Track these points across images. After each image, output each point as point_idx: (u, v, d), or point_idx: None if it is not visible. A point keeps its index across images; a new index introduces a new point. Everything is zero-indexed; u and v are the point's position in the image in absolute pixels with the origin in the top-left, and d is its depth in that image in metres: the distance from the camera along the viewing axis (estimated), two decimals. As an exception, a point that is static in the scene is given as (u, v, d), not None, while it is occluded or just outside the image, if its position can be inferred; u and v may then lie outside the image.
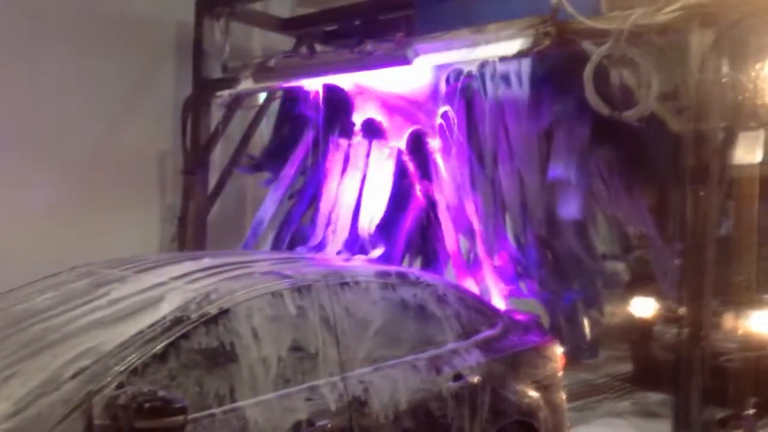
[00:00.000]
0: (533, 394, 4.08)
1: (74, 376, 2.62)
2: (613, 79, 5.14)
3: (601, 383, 6.88)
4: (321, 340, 3.33)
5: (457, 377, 3.72)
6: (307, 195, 7.12)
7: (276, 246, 6.97)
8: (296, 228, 7.06)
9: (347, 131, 6.75)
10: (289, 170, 7.10)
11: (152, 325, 2.87)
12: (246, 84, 7.15)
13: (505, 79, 5.84)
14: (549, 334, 4.69)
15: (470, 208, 6.02)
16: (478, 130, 6.01)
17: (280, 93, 7.50)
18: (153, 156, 7.80)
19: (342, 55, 6.63)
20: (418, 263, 6.79)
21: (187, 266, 3.45)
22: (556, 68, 5.71)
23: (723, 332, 5.27)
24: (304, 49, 8.00)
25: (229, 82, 7.31)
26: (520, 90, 5.79)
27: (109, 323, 2.93)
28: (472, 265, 6.09)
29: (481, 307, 4.29)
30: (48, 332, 2.93)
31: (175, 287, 3.17)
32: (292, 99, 7.25)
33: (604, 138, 5.74)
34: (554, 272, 5.79)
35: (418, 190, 6.45)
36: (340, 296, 3.51)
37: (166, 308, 2.97)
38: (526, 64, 5.78)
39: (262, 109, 7.76)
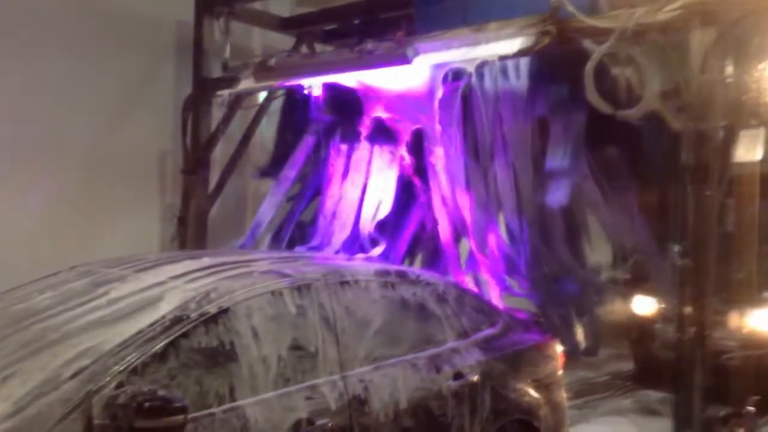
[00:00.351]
0: (533, 392, 4.07)
1: (74, 375, 2.62)
2: (614, 77, 5.14)
3: (601, 381, 6.87)
4: (321, 339, 3.33)
5: (458, 376, 3.72)
6: (307, 196, 7.12)
7: (275, 246, 6.98)
8: (296, 228, 7.06)
9: (353, 133, 6.76)
10: (289, 172, 7.11)
11: (152, 324, 2.87)
12: (246, 83, 7.16)
13: (503, 72, 5.83)
14: (549, 333, 4.69)
15: (464, 203, 6.02)
16: (476, 124, 6.01)
17: (280, 92, 7.51)
18: (153, 155, 7.80)
19: (342, 54, 6.63)
20: (418, 262, 6.79)
21: (187, 265, 3.45)
22: (553, 58, 5.70)
23: (724, 330, 5.26)
24: (304, 49, 8.00)
25: (230, 81, 7.31)
26: (518, 82, 5.79)
27: (109, 323, 2.93)
28: (467, 261, 6.09)
29: (481, 305, 4.28)
30: (47, 332, 2.93)
31: (174, 286, 3.17)
32: (294, 102, 7.25)
33: (600, 138, 5.74)
34: (546, 271, 5.78)
35: (418, 188, 6.46)
36: (339, 295, 3.51)
37: (166, 307, 2.97)
38: (524, 58, 5.77)
39: (263, 108, 7.76)
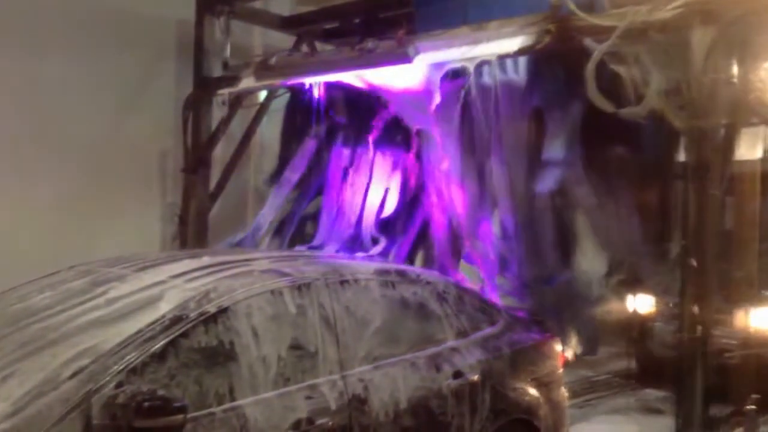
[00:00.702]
0: (533, 391, 4.07)
1: (73, 375, 2.62)
2: (613, 75, 5.13)
3: (602, 380, 6.86)
4: (321, 338, 3.33)
5: (457, 375, 3.72)
6: (310, 197, 7.12)
7: (276, 247, 6.98)
8: (297, 229, 7.06)
9: (357, 135, 6.77)
10: (291, 175, 7.10)
11: (151, 324, 2.87)
12: (247, 82, 7.16)
13: (501, 67, 5.82)
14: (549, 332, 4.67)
15: (458, 199, 6.01)
16: (473, 120, 5.98)
17: (281, 91, 7.51)
18: (154, 154, 7.81)
19: (343, 53, 6.63)
20: (419, 261, 6.78)
21: (187, 264, 3.45)
22: (551, 53, 5.67)
23: (725, 329, 5.25)
24: (304, 48, 7.99)
25: (230, 80, 7.32)
26: (516, 76, 5.78)
27: (108, 322, 2.93)
28: (464, 257, 6.08)
29: (481, 304, 4.28)
30: (46, 331, 2.93)
31: (174, 286, 3.17)
32: (298, 103, 7.25)
33: (595, 136, 5.71)
34: (537, 273, 5.74)
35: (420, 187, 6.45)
36: (339, 294, 3.51)
37: (165, 307, 2.97)
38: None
39: (263, 107, 7.76)
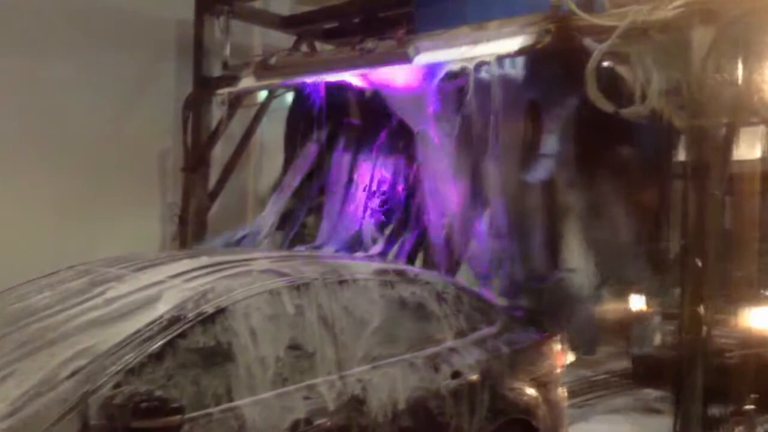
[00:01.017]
0: (531, 391, 4.06)
1: (70, 376, 2.62)
2: (612, 75, 5.13)
3: (600, 380, 6.86)
4: (319, 338, 3.32)
5: (456, 375, 3.71)
6: (311, 200, 7.12)
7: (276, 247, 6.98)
8: (298, 232, 7.07)
9: (359, 138, 6.77)
10: (292, 180, 7.10)
11: (149, 324, 2.87)
12: (247, 82, 7.17)
13: (499, 61, 5.80)
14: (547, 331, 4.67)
15: (452, 196, 6.00)
16: (470, 117, 5.96)
17: (281, 91, 7.51)
18: (154, 154, 7.81)
19: (343, 52, 6.63)
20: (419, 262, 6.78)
21: (185, 264, 3.44)
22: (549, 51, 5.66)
23: (724, 329, 5.25)
24: (304, 47, 7.99)
25: (230, 80, 7.32)
26: (513, 70, 5.77)
27: (106, 322, 2.93)
28: (459, 257, 6.07)
29: (479, 304, 4.27)
30: (44, 331, 2.93)
31: (172, 286, 3.16)
32: (300, 106, 7.26)
33: (590, 135, 5.69)
34: (525, 274, 5.71)
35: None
36: (338, 294, 3.50)
37: (163, 307, 2.97)
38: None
39: (263, 107, 7.76)
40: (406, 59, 5.90)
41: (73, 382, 2.60)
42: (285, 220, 7.16)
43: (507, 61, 5.77)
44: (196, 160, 7.58)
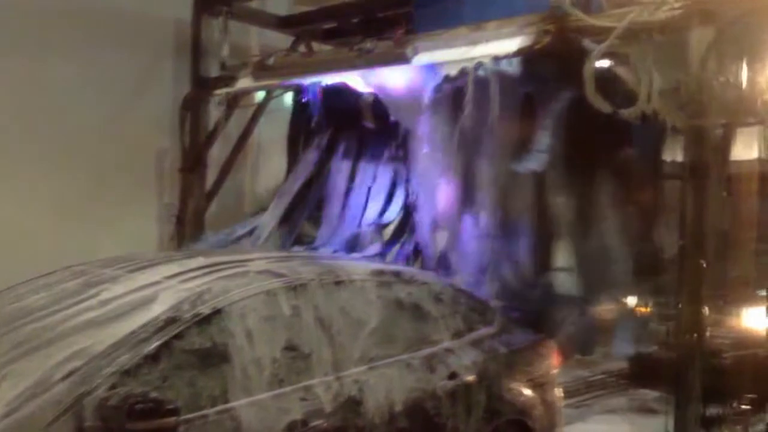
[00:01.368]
0: (528, 392, 4.06)
1: (65, 377, 2.62)
2: (610, 75, 5.12)
3: (597, 380, 6.85)
4: (316, 339, 3.31)
5: (452, 376, 3.70)
6: (311, 205, 7.12)
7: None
8: (299, 233, 7.07)
9: (361, 141, 6.77)
10: (293, 185, 7.10)
11: (145, 325, 2.86)
12: (244, 82, 7.17)
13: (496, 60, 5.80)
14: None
15: (443, 196, 5.99)
16: (464, 115, 5.94)
17: (279, 92, 7.50)
18: (151, 154, 7.80)
19: (341, 53, 6.63)
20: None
21: (181, 265, 3.44)
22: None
23: (720, 329, 5.24)
24: (302, 48, 7.98)
25: (228, 80, 7.32)
26: (510, 67, 5.75)
27: (102, 323, 2.92)
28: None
29: (476, 305, 4.26)
30: (40, 332, 2.92)
31: (168, 286, 3.16)
32: (302, 111, 7.26)
33: (582, 132, 5.68)
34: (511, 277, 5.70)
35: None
36: (335, 295, 3.49)
37: (159, 308, 2.96)
38: None
39: (261, 107, 7.75)
40: (404, 60, 5.89)
41: (68, 383, 2.60)
42: (285, 225, 7.15)
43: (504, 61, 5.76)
44: (193, 160, 7.58)
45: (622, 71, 5.13)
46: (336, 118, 7.03)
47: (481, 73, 5.76)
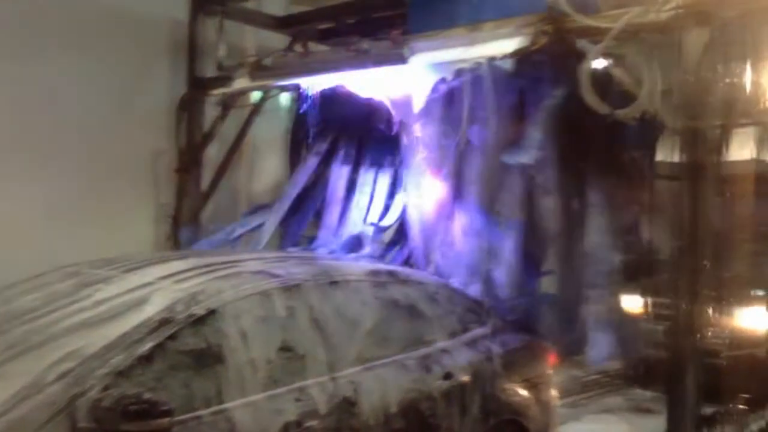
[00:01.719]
0: (523, 392, 4.06)
1: (58, 378, 2.61)
2: (606, 75, 5.12)
3: (592, 380, 6.85)
4: (310, 340, 3.31)
5: (447, 376, 3.71)
6: (311, 211, 7.12)
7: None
8: (299, 238, 7.07)
9: (362, 144, 6.78)
10: (292, 191, 7.09)
11: (139, 326, 2.86)
12: (241, 83, 7.15)
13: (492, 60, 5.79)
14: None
15: (433, 195, 5.97)
16: (459, 114, 5.93)
17: (275, 92, 7.50)
18: (147, 155, 7.76)
19: (338, 53, 6.62)
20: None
21: (175, 266, 3.43)
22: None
23: (716, 329, 5.24)
24: (299, 48, 7.97)
25: (224, 80, 7.30)
26: (505, 65, 5.75)
27: (95, 324, 2.91)
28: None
29: (471, 305, 4.27)
30: (32, 334, 2.91)
31: (162, 287, 3.15)
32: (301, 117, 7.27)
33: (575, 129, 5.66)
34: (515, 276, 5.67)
35: None
36: (330, 296, 3.49)
37: (153, 309, 2.95)
38: None
39: (257, 108, 7.74)
40: (401, 60, 5.89)
41: (62, 384, 2.59)
42: (284, 230, 7.16)
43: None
44: (189, 160, 7.56)
45: (617, 72, 5.14)
46: (336, 122, 7.02)
47: (477, 73, 5.76)
